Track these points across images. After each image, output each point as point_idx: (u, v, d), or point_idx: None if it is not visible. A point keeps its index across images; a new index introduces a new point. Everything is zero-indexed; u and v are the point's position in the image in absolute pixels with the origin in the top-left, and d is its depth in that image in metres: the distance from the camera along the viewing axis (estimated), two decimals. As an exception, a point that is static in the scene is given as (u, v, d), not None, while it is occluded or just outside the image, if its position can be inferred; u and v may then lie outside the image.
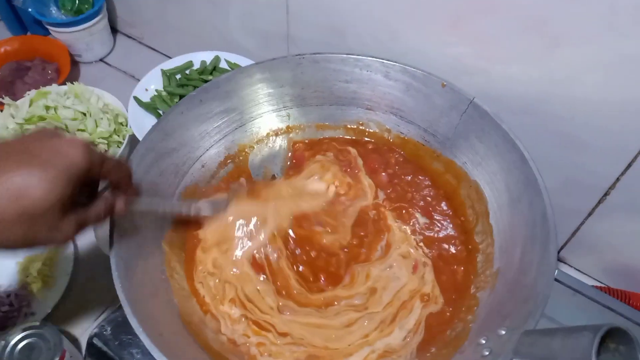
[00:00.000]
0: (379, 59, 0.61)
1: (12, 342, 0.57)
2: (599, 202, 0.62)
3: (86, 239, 0.72)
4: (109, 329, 0.58)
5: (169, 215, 0.56)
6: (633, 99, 0.51)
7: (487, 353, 0.43)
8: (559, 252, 0.73)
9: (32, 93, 0.79)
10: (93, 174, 0.41)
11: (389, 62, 0.61)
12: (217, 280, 0.55)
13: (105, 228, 0.49)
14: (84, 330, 0.65)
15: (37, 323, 0.58)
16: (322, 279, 0.55)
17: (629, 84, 0.51)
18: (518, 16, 0.53)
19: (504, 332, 0.44)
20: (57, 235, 0.40)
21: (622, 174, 0.58)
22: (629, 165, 0.57)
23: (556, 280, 0.62)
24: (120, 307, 0.59)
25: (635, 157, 0.55)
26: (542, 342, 0.39)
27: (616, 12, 0.47)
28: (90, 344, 0.57)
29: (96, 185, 0.45)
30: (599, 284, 0.71)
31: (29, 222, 0.37)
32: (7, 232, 0.37)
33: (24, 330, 0.57)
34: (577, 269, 0.73)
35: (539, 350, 0.39)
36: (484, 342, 0.45)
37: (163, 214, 0.56)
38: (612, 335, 0.36)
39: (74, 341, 0.65)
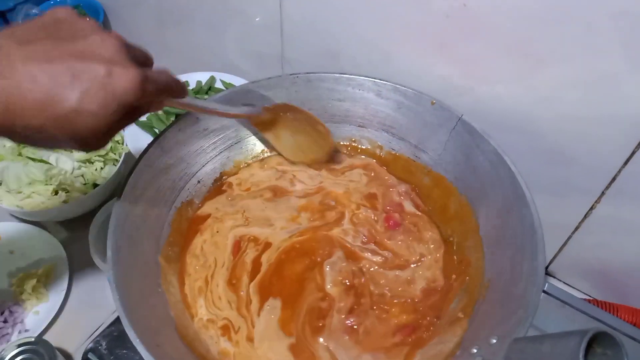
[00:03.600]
0: (371, 78, 0.63)
1: (7, 359, 0.57)
2: (585, 217, 0.64)
3: (81, 255, 0.72)
4: (104, 343, 0.58)
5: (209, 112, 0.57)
6: (612, 114, 0.54)
7: (478, 361, 0.44)
8: (547, 266, 0.74)
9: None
10: (141, 104, 0.40)
11: (380, 81, 0.63)
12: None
13: (102, 243, 0.50)
14: (78, 345, 0.65)
15: (32, 339, 0.58)
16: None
17: (608, 100, 0.53)
18: (502, 39, 0.55)
19: (495, 341, 0.45)
20: (97, 145, 0.39)
21: (607, 188, 0.60)
22: (613, 179, 0.58)
23: (545, 292, 0.63)
24: (115, 321, 0.59)
25: (619, 171, 0.57)
26: (532, 348, 0.40)
27: (592, 32, 0.49)
28: (85, 359, 0.57)
29: None
30: (587, 297, 0.72)
31: (71, 137, 0.36)
32: (51, 134, 0.36)
33: (19, 346, 0.57)
34: (565, 283, 0.74)
35: (528, 357, 0.40)
36: (475, 351, 0.46)
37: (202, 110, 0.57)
38: (599, 340, 0.37)
39: (69, 357, 0.64)
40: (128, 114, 0.38)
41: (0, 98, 0.33)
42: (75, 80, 0.35)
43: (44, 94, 0.34)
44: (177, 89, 0.46)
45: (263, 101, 0.62)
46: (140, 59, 0.41)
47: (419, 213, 0.62)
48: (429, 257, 0.58)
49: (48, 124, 0.35)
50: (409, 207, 0.63)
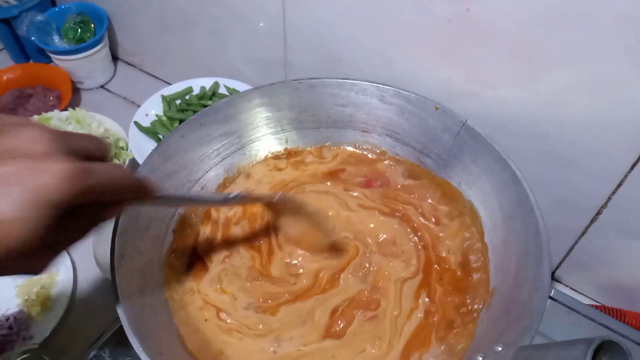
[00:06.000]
0: (374, 83, 0.63)
1: (11, 365, 0.57)
2: (592, 221, 0.64)
3: (86, 262, 0.72)
4: (107, 351, 0.58)
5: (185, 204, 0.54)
6: (617, 119, 0.53)
7: (484, 369, 0.44)
8: (554, 272, 0.74)
9: (35, 119, 0.81)
10: (79, 203, 0.31)
11: (384, 86, 0.63)
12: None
13: (105, 251, 0.50)
14: (82, 352, 0.65)
15: (36, 346, 0.58)
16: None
17: (612, 104, 0.52)
18: (505, 43, 0.55)
19: (500, 349, 0.44)
20: (34, 267, 0.33)
21: (613, 193, 0.59)
22: (620, 184, 0.58)
23: (551, 298, 0.63)
24: (118, 329, 0.59)
25: (626, 176, 0.57)
26: (537, 356, 0.39)
27: (596, 37, 0.49)
28: (89, 366, 0.57)
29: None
30: (594, 303, 0.71)
31: None
32: None
33: (23, 353, 0.58)
34: (572, 288, 0.74)
35: (534, 365, 0.39)
36: (480, 358, 0.45)
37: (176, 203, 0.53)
38: (605, 349, 0.37)
39: (72, 364, 0.65)
40: (67, 219, 0.31)
41: None
42: None
43: None
44: (137, 188, 0.37)
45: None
46: (85, 152, 0.33)
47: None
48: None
49: None
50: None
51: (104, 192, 0.33)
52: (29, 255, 0.30)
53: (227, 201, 0.49)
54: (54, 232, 0.30)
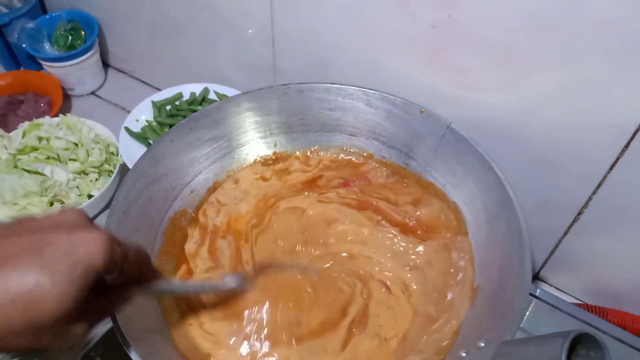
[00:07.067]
0: (361, 87, 0.64)
1: (2, 369, 0.57)
2: (574, 222, 0.65)
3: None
4: (98, 352, 0.59)
5: (192, 294, 0.55)
6: (597, 121, 0.55)
7: (467, 364, 0.45)
8: (539, 272, 0.75)
9: (25, 125, 0.81)
10: (110, 271, 0.36)
11: (370, 90, 0.64)
12: None
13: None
14: (74, 353, 0.65)
15: (27, 349, 0.59)
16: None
17: (592, 107, 0.54)
18: (487, 48, 0.56)
19: (483, 344, 0.45)
20: (66, 341, 0.34)
21: (594, 193, 0.61)
22: (599, 185, 0.59)
23: (536, 297, 0.64)
24: (109, 331, 0.60)
25: (605, 177, 0.58)
26: (518, 350, 0.41)
27: (574, 41, 0.50)
28: (79, 368, 0.58)
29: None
30: (578, 302, 0.73)
31: (35, 331, 0.32)
32: (10, 340, 0.31)
33: (14, 356, 0.58)
34: (557, 288, 0.75)
35: (515, 359, 0.41)
36: (464, 354, 0.47)
37: (185, 294, 0.55)
38: (582, 342, 0.38)
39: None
40: (99, 290, 0.35)
41: None
42: (35, 254, 0.32)
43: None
44: (149, 268, 0.42)
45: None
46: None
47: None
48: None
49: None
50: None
51: (133, 264, 0.38)
52: (65, 326, 0.33)
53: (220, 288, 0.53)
54: (84, 303, 0.33)
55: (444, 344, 0.50)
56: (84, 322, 0.35)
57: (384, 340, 0.53)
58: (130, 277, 0.40)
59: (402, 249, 0.60)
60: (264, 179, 0.68)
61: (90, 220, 0.37)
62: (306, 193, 0.66)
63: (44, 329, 0.32)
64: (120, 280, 0.40)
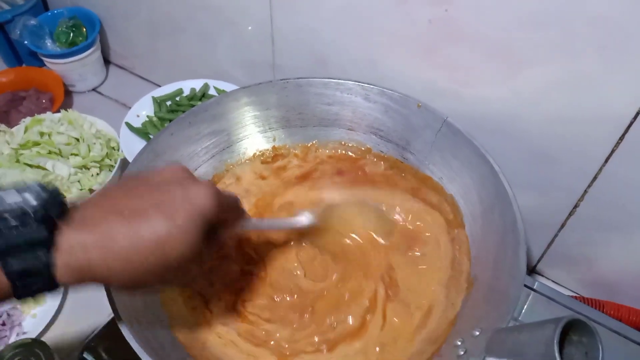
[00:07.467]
0: (359, 82, 0.65)
1: (5, 359, 0.58)
2: (570, 215, 0.66)
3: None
4: (100, 345, 0.59)
5: (273, 229, 0.60)
6: (591, 115, 0.55)
7: (462, 353, 0.46)
8: (536, 265, 0.76)
9: (27, 120, 0.82)
10: (218, 218, 0.41)
11: (368, 85, 0.65)
12: None
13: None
14: (75, 347, 0.66)
15: (30, 340, 0.59)
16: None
17: (587, 101, 0.55)
18: (484, 43, 0.57)
19: (478, 333, 0.46)
20: (185, 278, 0.41)
21: (589, 186, 0.61)
22: (595, 178, 0.60)
23: (534, 290, 0.65)
24: (112, 323, 0.61)
25: (600, 170, 0.59)
26: (511, 337, 0.41)
27: (569, 37, 0.51)
28: (81, 359, 0.58)
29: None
30: (575, 295, 0.73)
31: (165, 270, 0.38)
32: (145, 278, 0.37)
33: (16, 347, 0.58)
34: (554, 281, 0.76)
35: (508, 346, 0.41)
36: (459, 343, 0.47)
37: (267, 229, 0.60)
38: (574, 329, 0.39)
39: (66, 358, 0.65)
40: (209, 233, 0.40)
41: (97, 253, 0.35)
42: (159, 207, 0.37)
43: (134, 235, 0.36)
44: (242, 211, 0.48)
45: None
46: None
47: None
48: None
49: (138, 258, 0.36)
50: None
51: (229, 210, 0.45)
52: (187, 264, 0.39)
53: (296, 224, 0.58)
54: (202, 245, 0.39)
55: (439, 333, 0.51)
56: (197, 262, 0.40)
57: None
58: (226, 220, 0.45)
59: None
60: (263, 177, 0.68)
61: (192, 174, 0.42)
62: (300, 185, 0.66)
63: (171, 269, 0.38)
64: (218, 223, 0.43)
